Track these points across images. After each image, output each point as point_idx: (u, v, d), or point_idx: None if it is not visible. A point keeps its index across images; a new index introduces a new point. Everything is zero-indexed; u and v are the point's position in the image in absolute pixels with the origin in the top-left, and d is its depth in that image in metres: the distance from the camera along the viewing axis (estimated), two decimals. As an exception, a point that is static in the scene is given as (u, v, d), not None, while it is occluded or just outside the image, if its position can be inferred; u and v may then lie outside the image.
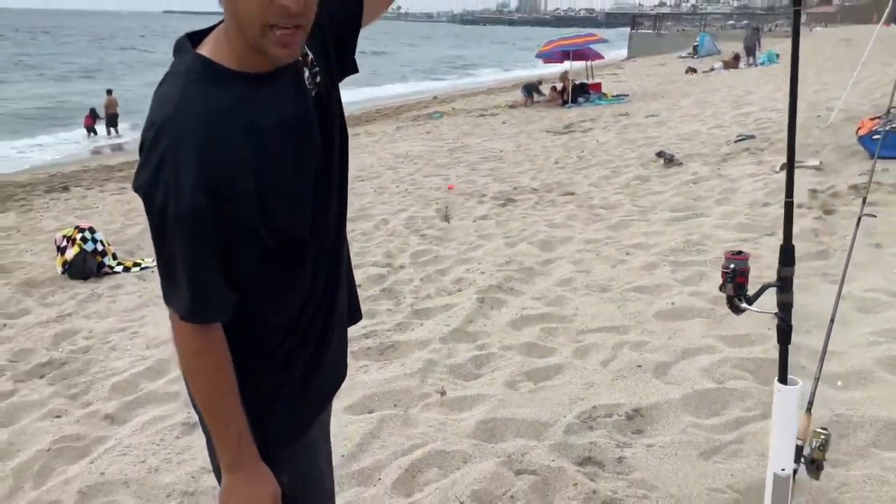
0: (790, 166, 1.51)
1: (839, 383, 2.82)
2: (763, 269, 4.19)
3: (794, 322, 2.59)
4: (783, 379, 1.58)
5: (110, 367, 3.73)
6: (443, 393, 3.13)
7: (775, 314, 1.54)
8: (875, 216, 3.54)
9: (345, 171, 1.32)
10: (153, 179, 1.06)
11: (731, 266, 1.50)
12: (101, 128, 17.50)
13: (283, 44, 1.07)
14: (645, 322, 3.68)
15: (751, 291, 1.57)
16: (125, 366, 3.73)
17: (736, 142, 8.24)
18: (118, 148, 16.12)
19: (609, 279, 4.39)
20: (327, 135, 1.24)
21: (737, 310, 1.53)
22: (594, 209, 6.19)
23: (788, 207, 1.52)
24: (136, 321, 4.44)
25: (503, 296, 4.26)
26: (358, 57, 1.36)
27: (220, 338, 1.17)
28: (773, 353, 3.10)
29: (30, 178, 11.00)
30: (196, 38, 1.17)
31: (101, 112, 17.38)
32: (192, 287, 1.10)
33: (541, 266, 4.79)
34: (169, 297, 1.15)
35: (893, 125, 6.51)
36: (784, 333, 1.57)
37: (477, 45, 79.91)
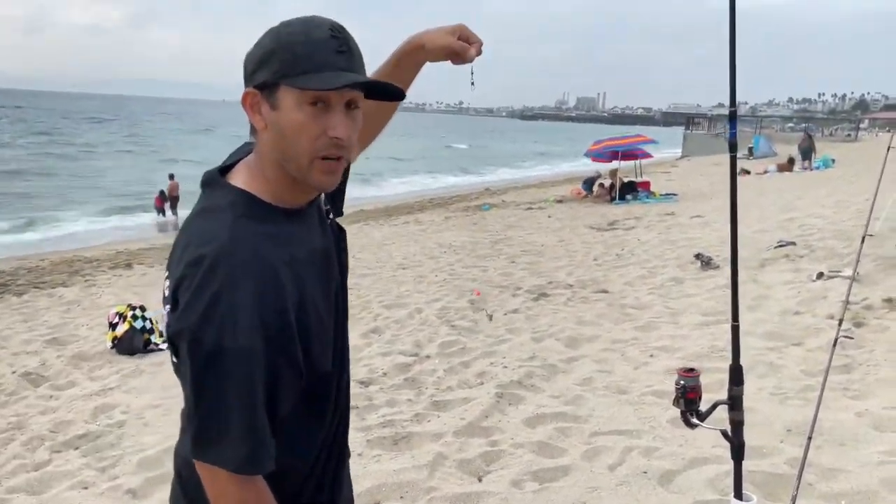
0: (734, 291, 1.64)
1: (843, 502, 2.78)
2: (785, 380, 4.19)
3: (810, 437, 2.62)
4: (738, 495, 1.64)
5: (140, 443, 3.92)
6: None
7: (722, 432, 1.63)
8: (852, 338, 3.52)
9: (346, 304, 1.29)
10: (204, 320, 1.01)
11: (682, 383, 1.61)
12: (169, 210, 18.71)
13: (328, 172, 1.09)
14: (658, 427, 3.69)
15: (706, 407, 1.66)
16: (154, 442, 3.91)
17: (776, 247, 8.23)
18: (175, 228, 17.10)
19: (630, 381, 4.42)
20: (341, 265, 1.25)
21: (689, 424, 1.63)
22: (625, 308, 6.24)
23: (735, 331, 1.63)
24: (172, 398, 4.65)
25: (522, 392, 4.33)
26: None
27: (266, 488, 1.08)
28: (784, 467, 3.09)
29: (98, 254, 11.67)
30: (223, 171, 1.18)
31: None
32: (248, 435, 1.03)
33: (564, 363, 4.85)
34: (208, 449, 1.04)
35: (935, 238, 6.45)
36: (736, 450, 1.65)
37: (549, 140, 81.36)
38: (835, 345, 2.33)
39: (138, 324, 5.76)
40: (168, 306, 1.09)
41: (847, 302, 4.94)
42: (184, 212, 18.79)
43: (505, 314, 6.28)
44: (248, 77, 1.10)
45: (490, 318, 5.20)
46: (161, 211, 18.71)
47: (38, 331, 6.59)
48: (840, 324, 2.40)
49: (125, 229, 16.76)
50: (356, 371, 5.03)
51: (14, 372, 5.25)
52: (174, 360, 1.09)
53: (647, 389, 4.25)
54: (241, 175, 1.15)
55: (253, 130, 1.13)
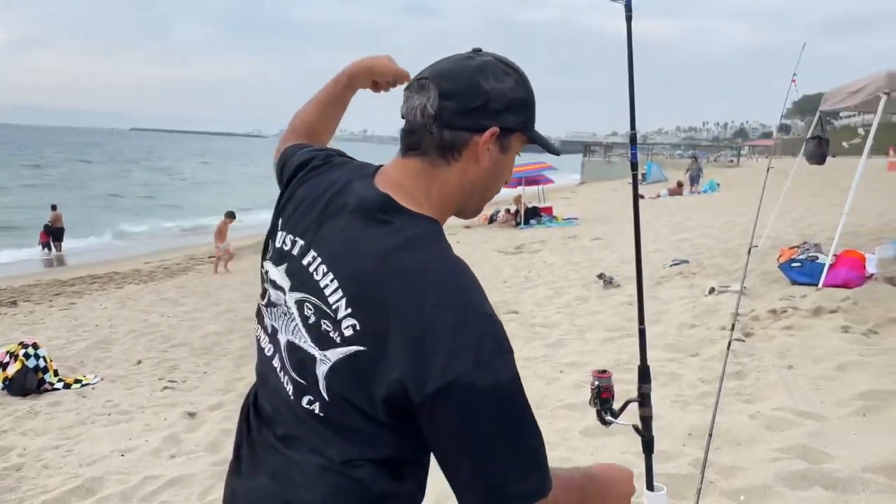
0: (640, 299, 1.77)
1: (742, 498, 2.98)
2: (684, 387, 4.44)
3: (705, 440, 2.78)
4: (650, 486, 1.76)
5: (41, 485, 3.70)
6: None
7: (634, 426, 1.74)
8: (744, 340, 3.77)
9: None
10: (476, 361, 0.93)
11: (597, 383, 1.71)
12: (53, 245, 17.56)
13: None
14: (571, 439, 3.83)
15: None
16: (56, 484, 3.70)
17: (671, 266, 8.71)
18: (62, 262, 16.17)
19: (542, 396, 4.56)
20: None
21: (604, 422, 1.73)
22: (535, 327, 6.43)
23: (641, 334, 1.76)
24: (72, 439, 4.41)
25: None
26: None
27: None
28: (687, 468, 3.29)
29: (-22, 292, 10.88)
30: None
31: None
32: (544, 454, 1.01)
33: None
34: (518, 482, 0.96)
35: (811, 254, 7.03)
36: (647, 444, 1.77)
37: None
38: (729, 346, 2.52)
39: (31, 362, 5.42)
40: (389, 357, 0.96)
41: (736, 314, 5.31)
42: (70, 244, 17.73)
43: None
44: (494, 115, 1.07)
45: None
46: (46, 246, 17.48)
47: (-85, 375, 6.07)
48: (732, 328, 2.60)
49: (4, 266, 15.61)
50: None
51: None
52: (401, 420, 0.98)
53: (559, 403, 4.40)
54: (410, 201, 1.08)
55: (421, 157, 1.10)
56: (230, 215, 13.21)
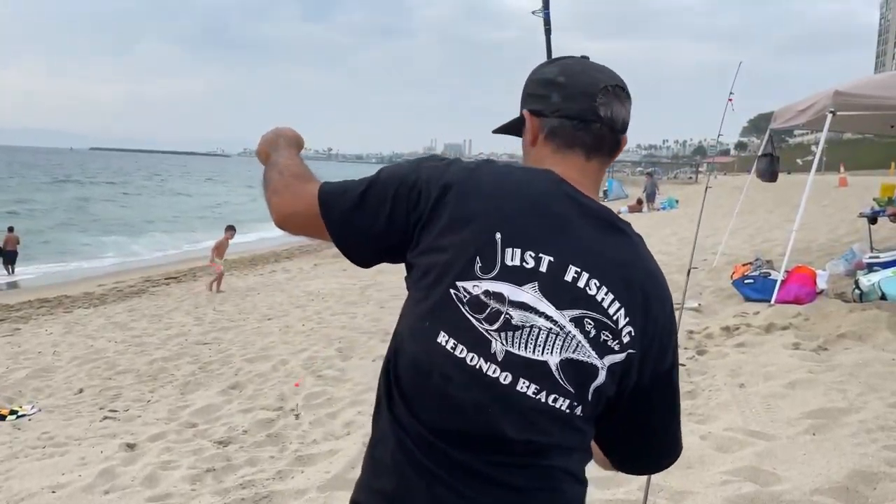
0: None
1: (691, 524, 2.92)
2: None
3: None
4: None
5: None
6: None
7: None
8: (697, 358, 3.66)
9: None
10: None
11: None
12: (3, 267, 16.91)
13: None
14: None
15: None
16: (-23, 525, 3.48)
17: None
18: (14, 286, 15.56)
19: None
20: None
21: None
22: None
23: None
24: (1, 475, 4.17)
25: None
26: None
27: None
28: (637, 493, 3.21)
29: (-84, 319, 10.41)
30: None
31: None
32: None
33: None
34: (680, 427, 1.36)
35: (763, 270, 7.10)
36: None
37: None
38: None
39: (-38, 394, 5.15)
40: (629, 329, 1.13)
41: (691, 332, 5.28)
42: (22, 268, 17.11)
43: (374, 360, 6.20)
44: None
45: (297, 416, 4.79)
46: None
47: None
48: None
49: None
50: (214, 430, 4.76)
51: None
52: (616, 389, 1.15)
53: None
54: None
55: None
56: (231, 229, 12.69)
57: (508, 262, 1.09)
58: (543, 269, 1.09)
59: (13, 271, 16.86)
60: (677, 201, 26.44)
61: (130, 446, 4.51)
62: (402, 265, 1.22)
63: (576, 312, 1.09)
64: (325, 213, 1.24)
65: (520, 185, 1.15)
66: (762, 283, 6.78)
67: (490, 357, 1.08)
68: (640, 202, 25.13)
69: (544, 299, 1.08)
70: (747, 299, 6.79)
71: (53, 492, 3.88)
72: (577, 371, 1.09)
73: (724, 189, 33.66)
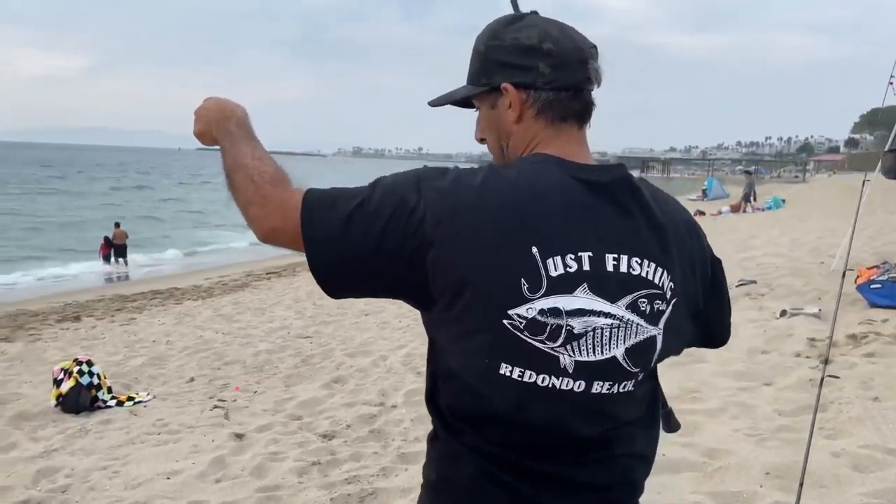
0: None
1: (831, 550, 2.68)
2: (759, 420, 4.11)
3: (785, 481, 2.48)
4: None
5: (85, 509, 3.64)
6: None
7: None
8: (839, 377, 3.46)
9: None
10: None
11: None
12: (114, 258, 18.13)
13: None
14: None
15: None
16: (100, 508, 3.63)
17: (738, 286, 8.29)
18: (125, 277, 16.55)
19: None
20: None
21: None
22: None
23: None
24: (119, 459, 4.36)
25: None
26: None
27: None
28: None
29: (45, 307, 11.19)
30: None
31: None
32: None
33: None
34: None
35: (892, 274, 6.56)
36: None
37: None
38: (821, 385, 2.25)
39: (84, 380, 5.44)
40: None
41: (827, 339, 4.92)
42: (131, 257, 18.24)
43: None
44: None
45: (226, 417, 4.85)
46: (107, 258, 18.05)
47: (-23, 390, 6.19)
48: (825, 363, 2.33)
49: (66, 279, 16.06)
50: (318, 423, 4.82)
51: (-52, 435, 4.88)
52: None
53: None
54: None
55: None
56: None
57: (553, 274, 1.03)
58: (587, 267, 1.04)
59: (126, 263, 18.04)
60: (783, 201, 25.11)
61: (239, 436, 4.62)
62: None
63: (628, 299, 1.07)
64: (307, 228, 1.07)
65: (533, 189, 1.07)
66: (891, 288, 6.26)
67: (560, 372, 1.05)
68: (755, 200, 24.18)
69: (597, 297, 1.05)
70: (873, 305, 6.29)
71: (168, 478, 4.01)
72: (641, 351, 1.09)
73: (835, 188, 31.80)
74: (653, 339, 1.10)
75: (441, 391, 1.13)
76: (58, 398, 5.38)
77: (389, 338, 7.35)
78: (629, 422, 1.14)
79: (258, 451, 4.34)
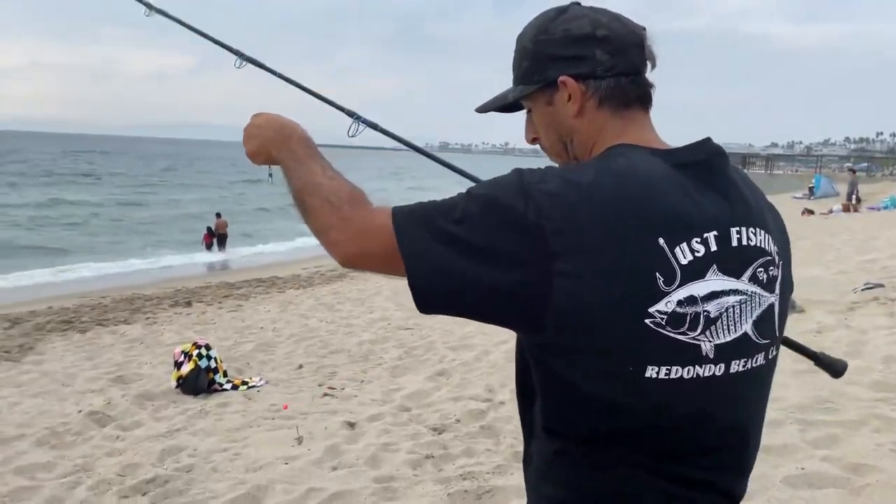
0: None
1: None
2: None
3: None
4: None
5: (210, 490, 3.74)
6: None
7: None
8: None
9: None
10: None
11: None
12: (217, 247, 19.04)
13: None
14: (772, 488, 3.34)
15: None
16: (224, 489, 3.73)
17: (864, 290, 7.74)
18: (225, 266, 17.26)
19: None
20: None
21: None
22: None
23: None
24: (239, 442, 4.48)
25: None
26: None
27: None
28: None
29: (157, 292, 11.76)
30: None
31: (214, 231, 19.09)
32: None
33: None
34: None
35: None
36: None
37: None
38: None
39: (203, 363, 5.64)
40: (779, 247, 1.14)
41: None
42: (232, 249, 19.11)
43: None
44: None
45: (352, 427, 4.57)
46: (209, 247, 18.96)
47: (103, 368, 6.55)
48: None
49: (174, 267, 16.89)
50: (427, 416, 4.81)
51: (80, 411, 5.16)
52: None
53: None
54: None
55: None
56: None
57: (683, 261, 0.99)
58: (714, 248, 1.01)
59: (225, 250, 18.96)
60: (902, 200, 23.41)
61: (351, 425, 4.66)
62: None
63: (750, 271, 1.05)
64: (405, 250, 1.00)
65: (641, 179, 1.01)
66: None
67: (703, 360, 1.02)
68: (859, 200, 22.64)
69: (726, 276, 1.02)
70: None
71: (286, 463, 4.08)
72: (765, 321, 1.07)
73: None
74: (772, 306, 1.08)
75: (563, 419, 1.07)
76: (178, 380, 5.61)
77: (490, 332, 7.26)
78: (759, 406, 1.13)
79: (371, 440, 4.36)
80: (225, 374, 5.80)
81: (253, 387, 5.71)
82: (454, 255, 0.98)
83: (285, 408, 5.06)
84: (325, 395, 5.43)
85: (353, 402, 5.25)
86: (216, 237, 19.10)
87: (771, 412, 4.35)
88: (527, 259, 0.96)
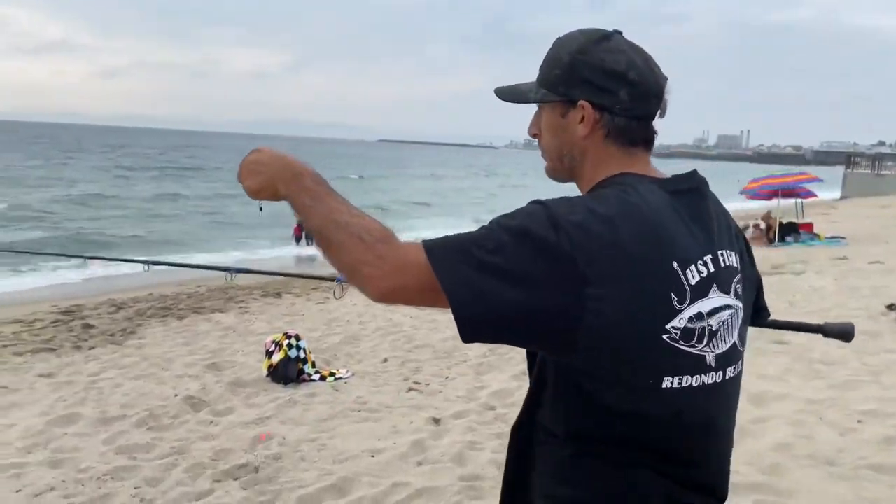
0: None
1: None
2: None
3: None
4: None
5: (298, 479, 3.79)
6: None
7: None
8: None
9: None
10: None
11: None
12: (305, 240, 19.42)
13: None
14: (889, 512, 3.08)
15: None
16: (312, 479, 3.77)
17: None
18: (313, 259, 17.59)
19: (837, 450, 3.80)
20: None
21: None
22: (813, 363, 5.52)
23: None
24: (326, 433, 4.53)
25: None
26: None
27: None
28: None
29: (250, 282, 12.15)
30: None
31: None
32: None
33: (752, 424, 4.28)
34: None
35: None
36: None
37: None
38: None
39: (293, 353, 5.75)
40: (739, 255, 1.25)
41: None
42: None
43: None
44: None
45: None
46: (298, 240, 19.39)
47: (199, 354, 6.78)
48: None
49: (267, 260, 17.38)
50: (513, 416, 4.71)
51: (177, 395, 5.36)
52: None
53: (862, 462, 3.63)
54: None
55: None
56: None
57: (692, 281, 1.10)
58: (712, 268, 1.13)
59: (312, 244, 19.38)
60: None
61: (436, 421, 4.63)
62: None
63: (733, 287, 1.17)
64: (446, 283, 1.04)
65: (653, 208, 1.12)
66: None
67: (707, 369, 1.13)
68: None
69: (722, 294, 1.15)
70: None
71: (372, 456, 4.09)
72: (742, 330, 1.20)
73: None
74: (744, 317, 1.21)
75: (582, 426, 1.14)
76: (269, 368, 5.74)
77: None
78: (735, 409, 1.26)
79: (456, 437, 4.31)
80: (313, 365, 5.89)
81: (340, 378, 5.78)
82: (494, 283, 1.03)
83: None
84: (411, 389, 5.43)
85: (437, 397, 5.23)
86: (305, 230, 19.53)
87: (884, 428, 4.04)
88: (561, 285, 1.03)
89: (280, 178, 1.23)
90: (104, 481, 3.84)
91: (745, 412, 4.48)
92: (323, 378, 5.77)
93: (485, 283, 1.03)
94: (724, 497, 1.23)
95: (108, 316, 9.02)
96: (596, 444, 1.14)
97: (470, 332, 1.07)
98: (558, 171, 1.29)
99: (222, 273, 3.14)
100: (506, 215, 1.11)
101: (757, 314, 1.43)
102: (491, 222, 1.10)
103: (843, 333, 1.63)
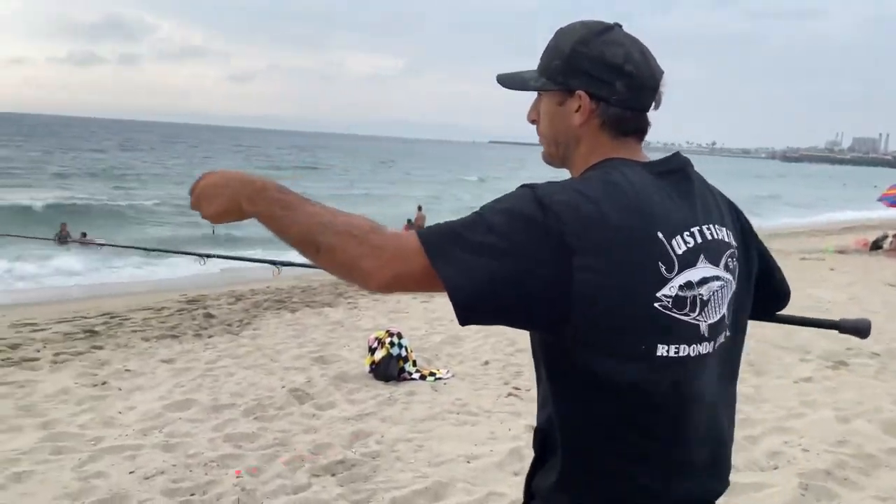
0: None
1: None
2: None
3: None
4: None
5: (393, 479, 3.77)
6: None
7: None
8: None
9: None
10: None
11: None
12: None
13: None
14: None
15: None
16: (407, 480, 3.74)
17: None
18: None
19: None
20: None
21: None
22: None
23: None
24: (423, 433, 4.50)
25: (835, 486, 3.48)
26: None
27: None
28: None
29: (358, 279, 12.43)
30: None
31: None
32: None
33: (885, 455, 3.88)
34: None
35: None
36: None
37: (818, 185, 71.93)
38: None
39: (394, 351, 5.78)
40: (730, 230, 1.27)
41: None
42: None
43: (795, 382, 5.32)
44: None
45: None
46: None
47: (307, 347, 6.97)
48: None
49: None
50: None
51: (283, 387, 5.51)
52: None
53: None
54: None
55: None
56: None
57: (679, 251, 1.13)
58: (699, 239, 1.16)
59: None
60: None
61: (535, 429, 4.49)
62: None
63: (724, 260, 1.20)
64: (441, 266, 1.08)
65: (636, 186, 1.15)
66: None
67: (701, 338, 1.16)
68: None
69: (711, 264, 1.17)
70: None
71: (468, 462, 4.02)
72: (732, 303, 1.23)
73: None
74: (734, 292, 1.22)
75: (597, 403, 1.14)
76: (371, 365, 5.80)
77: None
78: (729, 378, 1.27)
79: (555, 448, 4.16)
80: (414, 364, 5.90)
81: (440, 379, 5.75)
82: (487, 262, 1.07)
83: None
84: (510, 394, 5.33)
85: (535, 405, 5.08)
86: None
87: None
88: (551, 256, 1.06)
89: (243, 196, 1.21)
90: (210, 468, 3.98)
91: (877, 441, 4.06)
92: (423, 377, 5.76)
93: (477, 262, 1.07)
94: (727, 471, 1.29)
95: (228, 306, 9.48)
96: (592, 422, 1.16)
97: (465, 312, 1.09)
98: (553, 157, 1.33)
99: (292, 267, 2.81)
100: (495, 200, 1.15)
101: (773, 299, 1.47)
102: (482, 207, 1.14)
103: (859, 329, 1.62)
